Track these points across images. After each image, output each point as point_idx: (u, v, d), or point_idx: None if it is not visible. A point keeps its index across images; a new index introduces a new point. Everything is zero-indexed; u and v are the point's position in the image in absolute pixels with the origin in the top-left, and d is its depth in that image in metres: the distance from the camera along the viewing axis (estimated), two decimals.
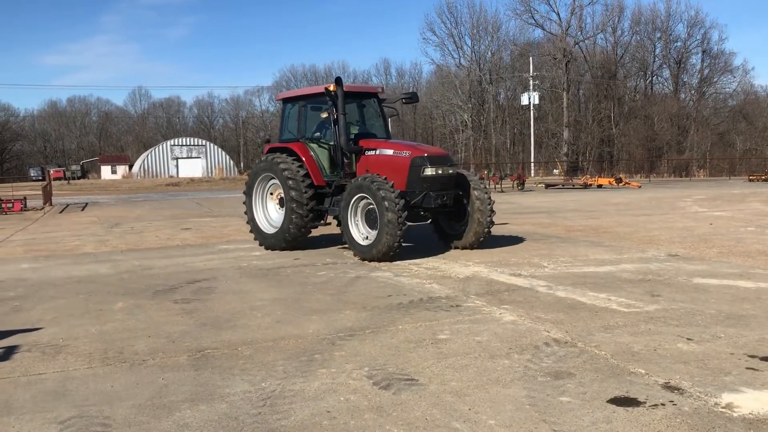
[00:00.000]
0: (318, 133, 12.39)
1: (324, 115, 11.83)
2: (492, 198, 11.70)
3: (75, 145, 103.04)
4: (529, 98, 61.54)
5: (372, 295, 8.04)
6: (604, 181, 39.74)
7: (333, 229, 12.59)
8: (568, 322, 6.48)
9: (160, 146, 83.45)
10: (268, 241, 12.40)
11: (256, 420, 4.24)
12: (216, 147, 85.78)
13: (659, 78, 74.62)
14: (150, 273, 10.15)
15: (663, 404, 4.30)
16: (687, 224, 15.49)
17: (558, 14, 67.54)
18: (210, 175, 74.74)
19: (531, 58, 63.47)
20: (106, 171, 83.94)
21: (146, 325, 6.82)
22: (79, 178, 75.80)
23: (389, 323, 6.60)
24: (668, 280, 8.50)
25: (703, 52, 71.00)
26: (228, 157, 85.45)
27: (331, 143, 11.98)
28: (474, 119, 71.31)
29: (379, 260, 10.47)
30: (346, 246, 11.46)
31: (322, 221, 12.13)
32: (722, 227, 14.59)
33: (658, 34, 71.45)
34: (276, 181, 12.25)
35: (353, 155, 11.76)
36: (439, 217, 11.81)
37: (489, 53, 72.71)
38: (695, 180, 52.51)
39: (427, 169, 10.86)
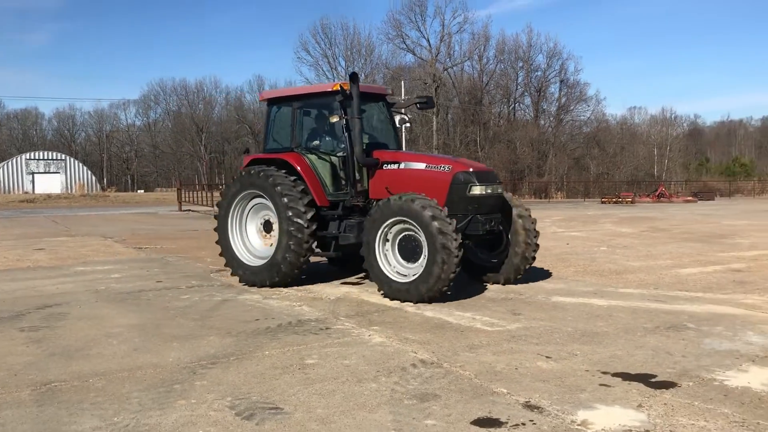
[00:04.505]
0: (316, 142, 10.32)
1: (334, 119, 9.60)
2: (536, 220, 9.94)
3: None
4: (401, 121, 62.81)
5: (239, 319, 7.78)
6: None
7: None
8: (434, 342, 6.55)
9: (14, 160, 77.77)
10: (251, 277, 9.98)
11: None
12: (77, 162, 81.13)
13: (521, 105, 78.58)
14: None
15: (524, 423, 4.40)
16: (546, 244, 16.22)
17: (428, 40, 69.85)
18: (70, 191, 70.49)
19: (403, 82, 64.89)
20: None
21: None
22: None
23: (255, 349, 6.39)
24: (529, 299, 8.84)
25: (561, 81, 75.54)
26: (90, 172, 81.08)
27: (339, 154, 9.86)
28: None
29: (429, 300, 8.43)
30: (222, 269, 10.96)
31: (329, 251, 10.02)
32: (578, 247, 15.45)
33: (521, 64, 75.32)
34: (262, 200, 10.05)
35: (364, 170, 9.79)
36: (472, 245, 9.65)
37: (362, 75, 73.64)
38: (554, 201, 55.60)
39: (475, 188, 8.90)
